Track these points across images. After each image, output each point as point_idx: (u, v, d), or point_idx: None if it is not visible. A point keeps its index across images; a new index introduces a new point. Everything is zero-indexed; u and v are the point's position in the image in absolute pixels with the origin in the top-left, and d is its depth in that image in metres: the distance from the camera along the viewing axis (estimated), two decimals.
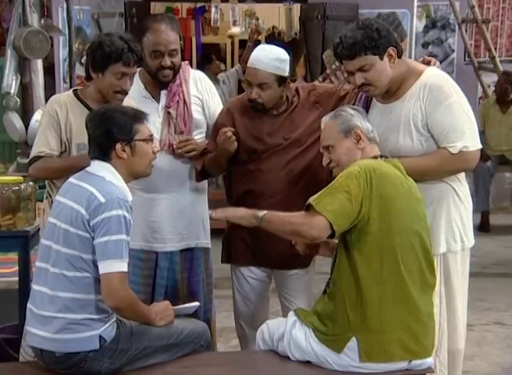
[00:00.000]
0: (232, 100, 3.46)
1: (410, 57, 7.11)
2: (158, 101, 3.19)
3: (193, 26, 7.66)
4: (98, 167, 2.52)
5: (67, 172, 2.76)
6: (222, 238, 3.23)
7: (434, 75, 2.74)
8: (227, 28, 7.86)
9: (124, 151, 2.50)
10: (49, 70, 6.81)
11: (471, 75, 7.65)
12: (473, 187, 6.45)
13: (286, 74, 3.01)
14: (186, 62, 3.33)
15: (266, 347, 2.70)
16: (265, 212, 2.56)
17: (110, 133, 2.49)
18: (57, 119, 2.93)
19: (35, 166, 2.95)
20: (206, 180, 3.33)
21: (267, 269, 3.16)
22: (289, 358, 2.60)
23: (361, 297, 2.44)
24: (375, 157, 2.59)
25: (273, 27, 8.30)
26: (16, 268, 3.34)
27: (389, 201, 2.43)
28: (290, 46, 7.88)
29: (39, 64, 3.97)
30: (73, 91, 3.07)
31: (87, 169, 2.55)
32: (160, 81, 3.15)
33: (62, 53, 6.70)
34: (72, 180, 2.55)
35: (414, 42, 7.17)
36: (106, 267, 2.37)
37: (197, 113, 3.22)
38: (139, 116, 2.58)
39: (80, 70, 6.83)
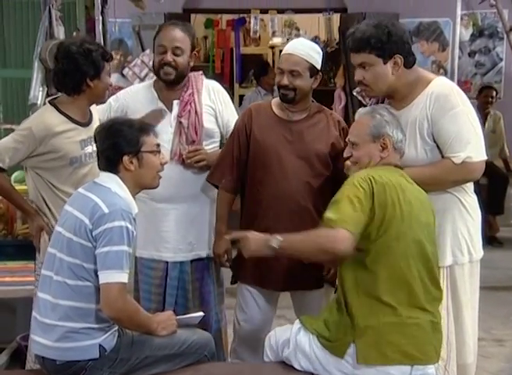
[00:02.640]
0: (254, 103, 3.47)
1: (453, 66, 6.98)
2: (170, 111, 3.21)
3: (234, 37, 7.72)
4: (106, 178, 2.55)
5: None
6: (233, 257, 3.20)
7: (441, 84, 2.70)
8: (268, 39, 7.90)
9: (131, 163, 2.53)
10: None
11: None
12: None
13: (319, 67, 3.01)
14: (200, 72, 3.35)
15: (273, 353, 2.70)
16: (280, 238, 2.47)
17: (117, 145, 2.52)
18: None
19: None
20: (217, 190, 3.30)
21: (274, 293, 3.14)
22: (293, 368, 2.59)
23: (360, 302, 2.42)
24: (389, 164, 2.55)
25: (316, 37, 8.29)
26: None
27: (389, 209, 2.40)
28: (332, 56, 7.87)
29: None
30: (50, 101, 3.12)
31: (96, 179, 2.58)
32: (162, 80, 3.16)
33: None
34: (80, 190, 2.59)
35: (456, 51, 7.03)
36: (106, 277, 2.39)
37: (209, 123, 3.23)
38: (145, 128, 2.60)
39: (120, 81, 7.01)
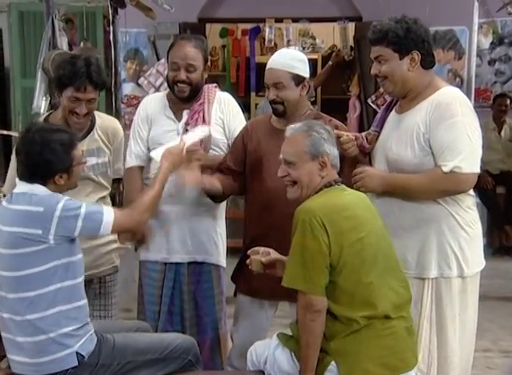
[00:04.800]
0: (253, 119, 3.50)
1: (469, 75, 6.93)
2: (179, 120, 3.25)
3: (249, 46, 7.75)
4: (22, 187, 2.52)
5: None
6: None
7: (446, 93, 2.67)
8: (284, 48, 7.91)
9: (61, 177, 2.53)
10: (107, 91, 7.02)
11: None
12: None
13: (304, 75, 3.00)
14: (215, 84, 3.41)
15: (255, 368, 2.69)
16: None
17: (50, 164, 2.49)
18: None
19: None
20: None
21: (268, 302, 3.13)
22: None
23: (335, 323, 2.40)
24: (330, 184, 2.53)
25: (333, 46, 8.28)
26: None
27: (345, 236, 2.38)
28: (348, 65, 7.86)
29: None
30: (44, 118, 3.13)
31: (17, 191, 2.53)
32: (176, 95, 3.22)
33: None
34: (4, 204, 2.55)
35: (473, 59, 6.97)
36: (107, 229, 2.51)
37: (216, 133, 3.27)
38: (74, 142, 2.58)
39: (136, 91, 7.09)
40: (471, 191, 2.72)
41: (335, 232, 2.36)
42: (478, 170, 2.63)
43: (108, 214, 2.53)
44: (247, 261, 2.73)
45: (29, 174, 2.51)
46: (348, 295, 2.39)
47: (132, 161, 3.27)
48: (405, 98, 2.73)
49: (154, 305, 3.29)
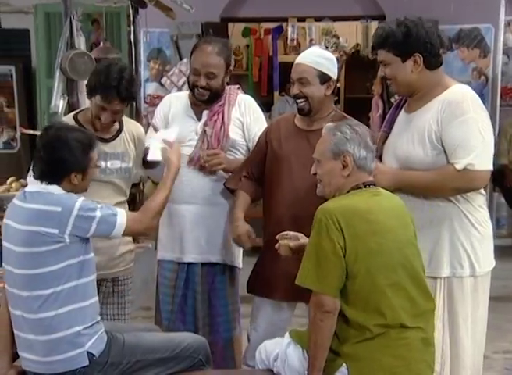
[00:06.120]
0: (277, 117, 3.51)
1: (495, 73, 6.84)
2: (199, 119, 3.27)
3: (271, 45, 7.73)
4: (35, 186, 2.55)
5: None
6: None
7: (456, 91, 2.66)
8: (307, 47, 7.88)
9: (76, 177, 2.55)
10: None
11: None
12: None
13: (331, 74, 3.00)
14: (237, 86, 3.42)
15: (264, 367, 2.68)
16: None
17: (67, 163, 2.52)
18: None
19: None
20: (233, 199, 3.32)
21: (285, 303, 3.12)
22: None
23: (348, 328, 2.38)
24: (357, 186, 2.50)
25: (357, 45, 8.23)
26: None
27: (362, 240, 2.35)
28: (372, 64, 7.79)
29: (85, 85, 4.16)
30: (74, 115, 3.16)
31: (31, 190, 2.56)
32: (197, 99, 3.23)
33: (142, 74, 6.94)
34: (16, 201, 2.57)
35: (499, 57, 6.88)
36: (119, 230, 2.56)
37: (235, 134, 3.28)
38: (92, 143, 2.61)
39: (159, 90, 7.12)
40: (482, 190, 2.71)
41: (351, 235, 2.34)
42: (490, 167, 2.62)
43: (122, 217, 2.57)
44: (276, 245, 2.71)
45: (46, 171, 2.53)
46: (362, 301, 2.36)
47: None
48: (413, 97, 2.73)
49: (167, 304, 3.31)
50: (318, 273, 2.35)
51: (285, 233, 2.73)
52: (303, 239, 2.66)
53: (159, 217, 2.77)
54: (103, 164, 3.01)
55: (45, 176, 2.54)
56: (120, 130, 3.15)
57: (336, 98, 7.68)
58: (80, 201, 2.48)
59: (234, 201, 3.23)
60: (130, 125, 3.22)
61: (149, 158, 3.03)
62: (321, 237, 2.35)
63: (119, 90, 2.89)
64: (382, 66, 2.70)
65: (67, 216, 2.44)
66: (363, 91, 8.31)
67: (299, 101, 3.02)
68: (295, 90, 3.02)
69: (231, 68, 3.28)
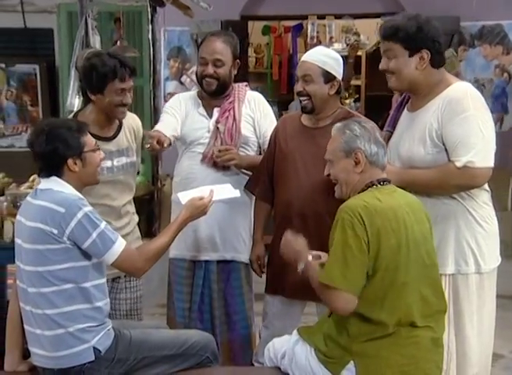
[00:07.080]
0: (285, 115, 3.51)
1: None
2: (211, 117, 3.29)
3: (291, 43, 7.70)
4: (46, 183, 2.58)
5: None
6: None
7: (457, 89, 2.67)
8: (329, 45, 7.83)
9: (75, 164, 2.56)
10: None
11: None
12: None
13: (335, 74, 3.00)
14: (245, 83, 3.45)
15: (272, 364, 2.69)
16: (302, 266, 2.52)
17: (59, 150, 2.53)
18: None
19: None
20: (247, 196, 3.36)
21: (296, 301, 3.12)
22: None
23: (363, 324, 2.38)
24: (372, 183, 2.50)
25: (378, 43, 8.16)
26: None
27: (383, 237, 2.35)
28: None
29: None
30: (73, 116, 3.17)
31: (38, 187, 2.60)
32: (204, 90, 3.26)
33: (162, 73, 6.96)
34: (28, 198, 2.61)
35: None
36: (110, 257, 2.51)
37: (246, 131, 3.31)
38: (83, 128, 2.63)
39: (179, 88, 7.14)
40: (487, 187, 2.71)
41: (374, 232, 2.34)
42: (491, 164, 2.62)
43: (118, 246, 2.53)
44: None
45: (43, 165, 2.56)
46: (379, 298, 2.36)
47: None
48: (416, 96, 2.73)
49: (182, 302, 3.33)
50: (345, 271, 2.34)
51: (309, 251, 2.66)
52: (324, 258, 2.63)
53: (153, 263, 2.64)
54: (109, 163, 3.04)
55: (45, 170, 2.56)
56: (120, 126, 3.17)
57: (357, 96, 7.63)
58: (86, 209, 2.48)
59: (255, 213, 3.29)
60: (128, 118, 3.22)
61: (178, 195, 2.99)
62: (347, 234, 2.34)
63: (125, 66, 2.93)
64: (386, 59, 2.69)
65: (68, 219, 2.45)
66: (384, 89, 8.23)
67: (302, 98, 3.03)
68: (299, 87, 3.03)
69: (238, 61, 3.30)
